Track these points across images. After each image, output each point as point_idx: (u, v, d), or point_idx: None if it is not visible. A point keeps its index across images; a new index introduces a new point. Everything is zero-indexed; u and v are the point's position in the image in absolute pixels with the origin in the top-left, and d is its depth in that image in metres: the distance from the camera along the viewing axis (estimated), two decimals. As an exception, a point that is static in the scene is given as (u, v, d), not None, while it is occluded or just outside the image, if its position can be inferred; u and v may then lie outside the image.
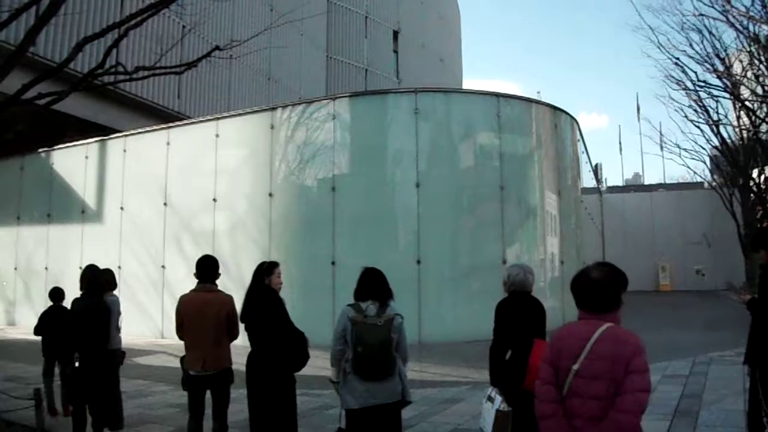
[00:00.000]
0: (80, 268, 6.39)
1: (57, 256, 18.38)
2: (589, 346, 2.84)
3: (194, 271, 5.50)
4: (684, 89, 27.72)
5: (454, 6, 54.38)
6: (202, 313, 5.32)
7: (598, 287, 2.99)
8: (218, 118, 16.46)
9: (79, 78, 10.40)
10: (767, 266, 5.17)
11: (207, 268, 5.51)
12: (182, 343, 5.48)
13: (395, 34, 42.40)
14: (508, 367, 4.58)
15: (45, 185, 19.47)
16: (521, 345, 4.56)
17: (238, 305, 5.41)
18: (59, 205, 18.95)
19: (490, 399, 4.58)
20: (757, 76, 24.23)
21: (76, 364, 6.21)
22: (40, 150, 19.78)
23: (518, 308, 4.81)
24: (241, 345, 5.46)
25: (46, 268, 18.44)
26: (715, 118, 28.43)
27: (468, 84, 77.28)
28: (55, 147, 19.47)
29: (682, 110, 36.14)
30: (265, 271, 5.23)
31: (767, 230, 5.57)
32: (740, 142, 29.99)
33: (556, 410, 2.88)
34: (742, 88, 25.19)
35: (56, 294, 8.08)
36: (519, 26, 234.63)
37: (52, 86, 9.89)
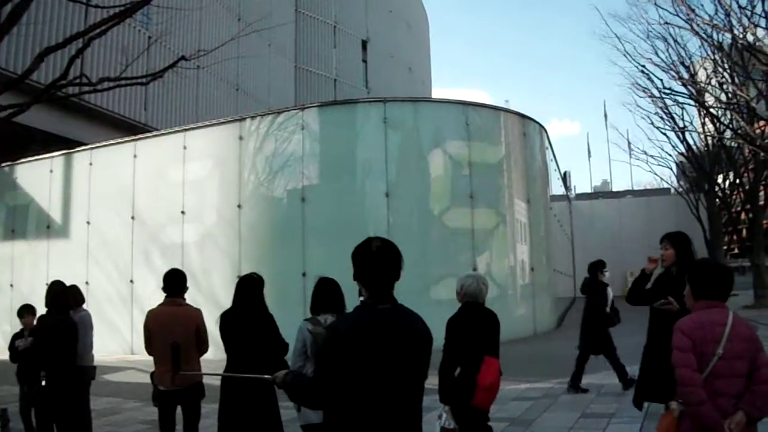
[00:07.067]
0: (47, 284, 6.23)
1: (23, 273, 17.99)
2: (728, 330, 3.14)
3: (162, 285, 5.43)
4: (650, 96, 28.02)
5: (423, 15, 54.70)
6: (170, 327, 5.23)
7: (730, 276, 3.32)
8: (186, 130, 16.32)
9: (41, 89, 10.22)
10: (671, 267, 5.01)
11: (174, 281, 5.45)
12: (152, 358, 5.39)
13: (364, 43, 42.55)
14: (458, 383, 4.52)
15: (8, 200, 19.11)
16: (471, 361, 4.50)
17: (207, 319, 5.36)
18: (24, 221, 18.58)
19: (440, 417, 4.53)
20: (720, 84, 24.70)
21: (43, 383, 6.06)
22: (3, 164, 19.37)
23: (471, 321, 4.73)
24: (212, 359, 5.38)
25: (12, 286, 18.02)
26: (680, 125, 28.81)
27: (437, 93, 77.77)
28: (18, 161, 19.10)
29: (648, 117, 36.68)
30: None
31: (683, 234, 5.14)
32: (705, 149, 30.46)
33: (706, 396, 3.08)
34: (707, 95, 25.65)
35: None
36: (489, 35, 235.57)
37: (14, 98, 9.71)
